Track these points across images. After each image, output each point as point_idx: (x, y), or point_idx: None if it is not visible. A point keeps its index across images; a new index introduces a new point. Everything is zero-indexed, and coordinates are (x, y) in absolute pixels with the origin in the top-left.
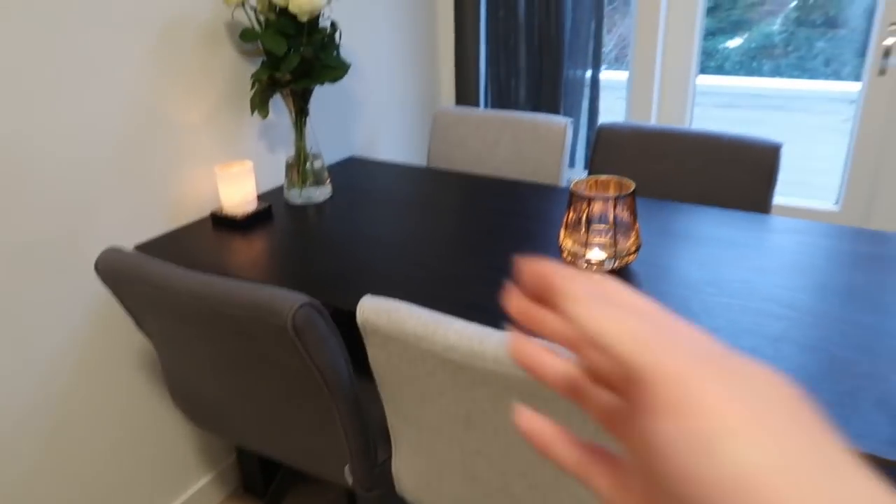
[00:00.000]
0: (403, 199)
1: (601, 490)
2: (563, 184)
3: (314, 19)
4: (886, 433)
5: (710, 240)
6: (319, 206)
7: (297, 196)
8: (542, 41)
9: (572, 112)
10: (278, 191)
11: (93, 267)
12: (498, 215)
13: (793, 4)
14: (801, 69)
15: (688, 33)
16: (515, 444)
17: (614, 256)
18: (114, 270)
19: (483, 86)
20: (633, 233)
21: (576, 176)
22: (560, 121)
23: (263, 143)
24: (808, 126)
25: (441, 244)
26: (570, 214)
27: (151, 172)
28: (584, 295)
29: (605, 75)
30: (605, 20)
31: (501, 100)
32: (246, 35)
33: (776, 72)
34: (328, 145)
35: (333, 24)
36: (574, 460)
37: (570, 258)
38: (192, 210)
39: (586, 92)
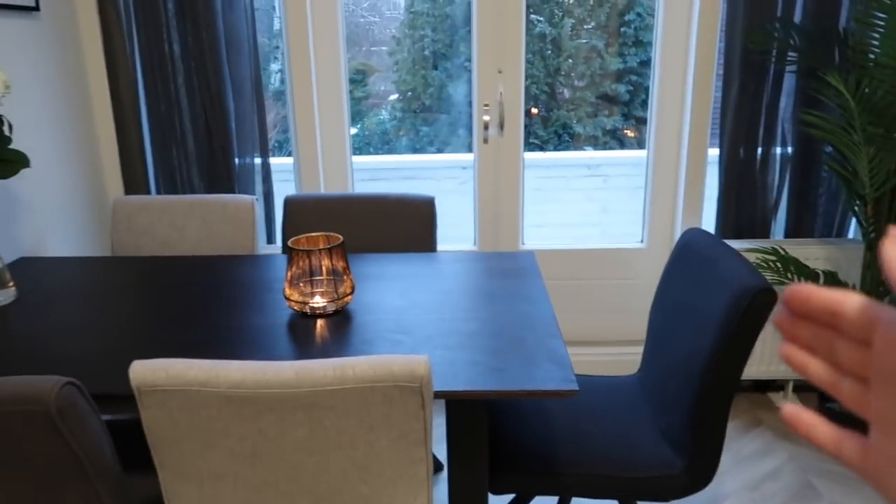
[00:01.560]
0: (97, 288)
1: (852, 461)
2: (257, 252)
3: None
4: (560, 375)
5: (400, 276)
6: (3, 310)
7: None
8: (210, 131)
9: (247, 194)
10: None
11: None
12: (202, 286)
13: (393, 97)
14: (412, 147)
15: (339, 122)
16: (300, 463)
17: (335, 300)
18: None
19: (152, 174)
20: (347, 278)
21: (273, 250)
22: (248, 198)
23: None
24: (435, 190)
25: (150, 321)
26: (292, 270)
27: None
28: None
29: (273, 160)
30: (267, 112)
31: (173, 187)
32: None
33: (392, 150)
34: None
35: (1, 118)
36: (830, 440)
37: (297, 307)
38: None
39: (258, 177)
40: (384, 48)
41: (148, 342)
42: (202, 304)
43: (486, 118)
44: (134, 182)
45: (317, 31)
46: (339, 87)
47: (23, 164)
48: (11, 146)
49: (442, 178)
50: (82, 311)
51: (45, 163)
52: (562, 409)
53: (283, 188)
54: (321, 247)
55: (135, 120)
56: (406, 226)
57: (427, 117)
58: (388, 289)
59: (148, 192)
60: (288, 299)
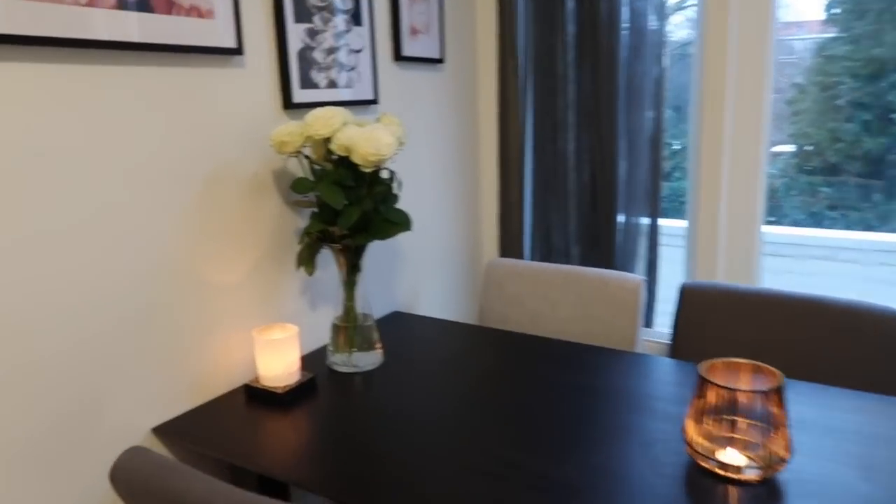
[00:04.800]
0: (459, 367)
1: None
2: (639, 349)
3: (376, 170)
4: None
5: (859, 432)
6: (367, 375)
7: (343, 362)
8: (595, 186)
9: (627, 262)
10: (320, 353)
11: (100, 462)
12: (574, 391)
13: (782, 150)
14: (806, 212)
15: (751, 183)
16: None
17: (762, 463)
18: (132, 482)
19: (528, 233)
20: (782, 431)
21: (650, 336)
22: (633, 279)
23: (305, 300)
24: (861, 279)
25: (509, 433)
26: (701, 401)
27: (178, 339)
28: None
29: (662, 222)
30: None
31: (547, 244)
32: (299, 186)
33: (776, 213)
34: (371, 299)
35: (392, 174)
36: None
37: (700, 459)
38: (222, 381)
39: (642, 240)
40: (776, 94)
41: (497, 458)
42: (570, 416)
43: None
44: (509, 237)
45: (742, 84)
46: (757, 144)
47: (403, 227)
48: (397, 205)
49: (870, 262)
50: (440, 389)
51: (428, 215)
52: None
53: (671, 255)
54: (747, 387)
55: (518, 172)
56: (858, 350)
57: (830, 180)
58: (843, 454)
59: (520, 247)
60: (688, 444)
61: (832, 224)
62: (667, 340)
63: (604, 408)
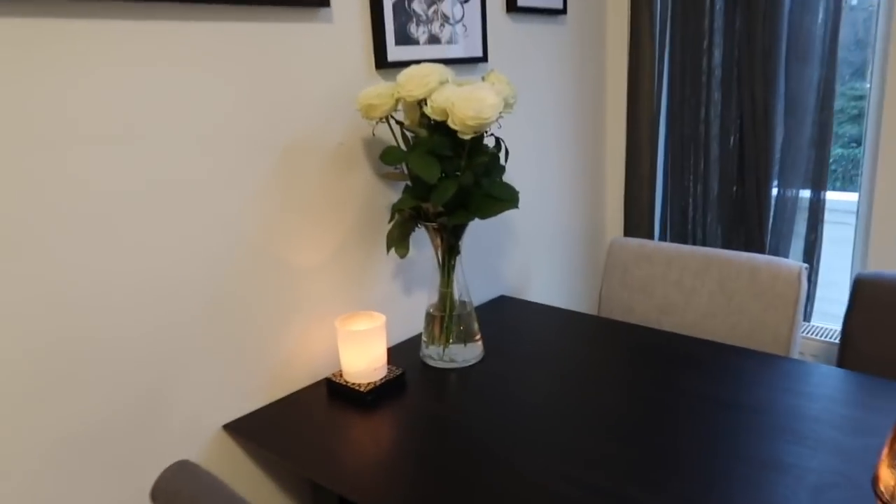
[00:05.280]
0: (572, 367)
1: None
2: (795, 353)
3: (478, 138)
4: None
5: None
6: (464, 372)
7: (437, 356)
8: (743, 153)
9: (780, 243)
10: (413, 342)
11: (169, 459)
12: (713, 406)
13: None
14: None
15: None
16: None
17: None
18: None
19: (659, 209)
20: None
21: (809, 332)
22: (790, 265)
23: (398, 284)
24: None
25: (628, 459)
26: None
27: (254, 326)
28: None
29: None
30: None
31: (682, 226)
32: (388, 156)
33: None
34: (473, 282)
35: (499, 142)
36: None
37: None
38: (302, 373)
39: (800, 216)
40: None
41: (612, 493)
42: (707, 441)
43: None
44: (637, 213)
45: None
46: None
47: (509, 204)
48: (504, 177)
49: None
50: (548, 394)
51: (542, 188)
52: None
53: (832, 234)
54: None
55: (650, 139)
56: None
57: None
58: None
59: (650, 225)
60: (881, 497)
61: None
62: (831, 340)
63: (752, 432)
